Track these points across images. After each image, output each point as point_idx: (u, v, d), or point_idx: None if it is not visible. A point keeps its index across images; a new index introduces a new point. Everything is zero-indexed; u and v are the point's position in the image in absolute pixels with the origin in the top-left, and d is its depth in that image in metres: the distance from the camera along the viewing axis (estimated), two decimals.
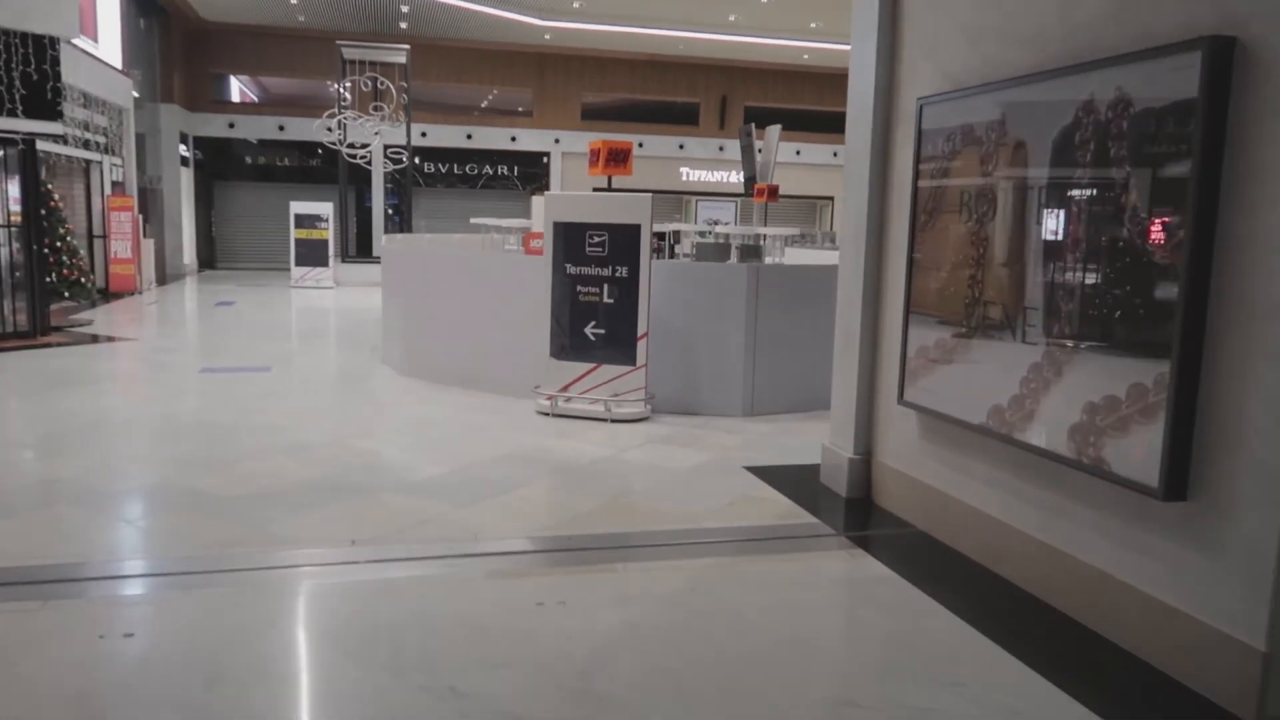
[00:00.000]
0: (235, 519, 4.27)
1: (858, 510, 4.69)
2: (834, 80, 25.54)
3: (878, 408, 4.74)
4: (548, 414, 6.67)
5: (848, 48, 4.84)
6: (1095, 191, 3.18)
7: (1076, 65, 3.26)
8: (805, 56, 23.87)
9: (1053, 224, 3.39)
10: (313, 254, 18.13)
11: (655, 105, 25.27)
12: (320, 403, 7.16)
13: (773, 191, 17.96)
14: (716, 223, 24.78)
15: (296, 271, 18.16)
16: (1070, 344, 3.28)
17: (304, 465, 5.21)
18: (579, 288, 6.68)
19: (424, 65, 22.66)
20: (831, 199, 26.82)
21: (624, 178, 8.35)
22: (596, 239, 6.60)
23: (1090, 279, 3.20)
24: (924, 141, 4.19)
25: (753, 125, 18.38)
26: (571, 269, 6.69)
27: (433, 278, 8.16)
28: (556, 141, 24.62)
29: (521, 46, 23.62)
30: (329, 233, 18.24)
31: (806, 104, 25.62)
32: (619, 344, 6.60)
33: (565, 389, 6.71)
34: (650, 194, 6.66)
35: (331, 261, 18.24)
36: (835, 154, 26.27)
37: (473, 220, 13.52)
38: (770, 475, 5.23)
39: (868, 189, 4.66)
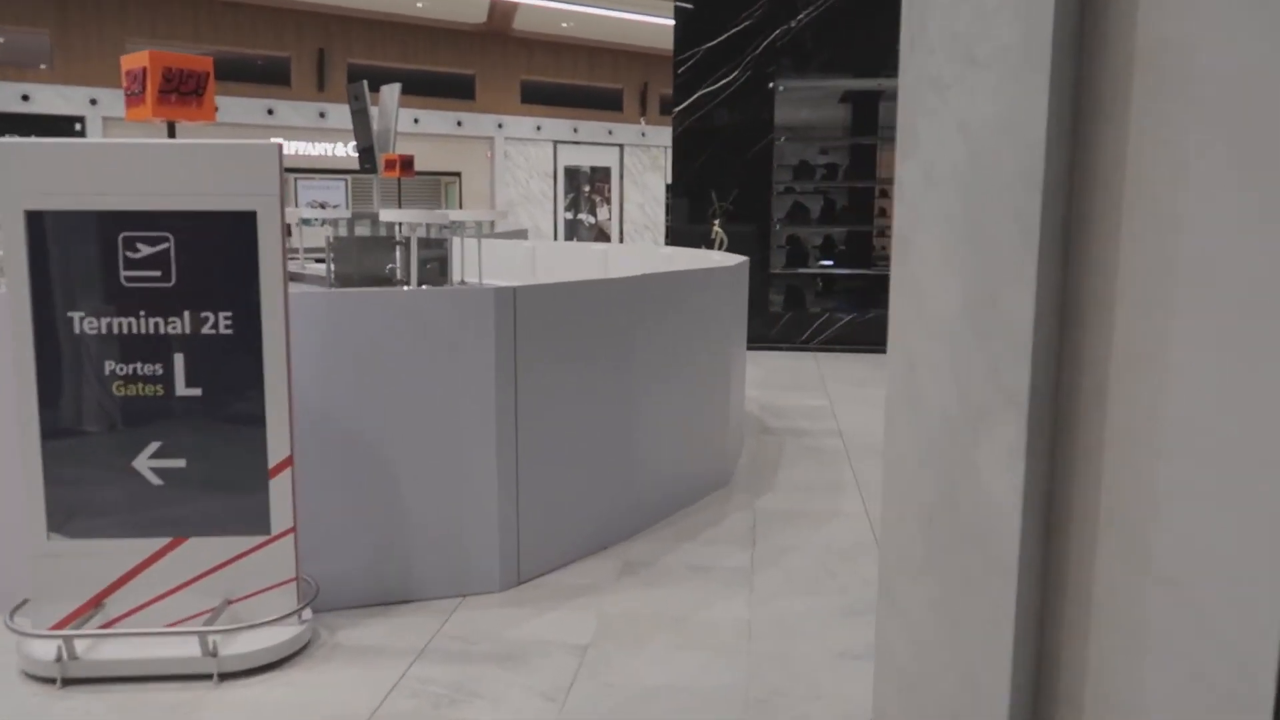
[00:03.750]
0: None
1: None
2: (453, 37, 22.04)
3: None
4: (54, 679, 2.75)
5: None
6: None
7: None
8: (420, 5, 20.10)
9: None
10: None
11: (234, 60, 19.93)
12: None
13: (406, 164, 14.21)
14: (324, 205, 20.30)
15: None
16: None
17: None
18: (112, 367, 2.82)
19: None
20: (458, 175, 23.36)
21: (198, 126, 4.58)
22: (145, 250, 2.79)
23: None
24: None
25: (365, 84, 14.48)
26: (89, 324, 2.80)
27: None
28: (94, 103, 18.46)
29: None
30: None
31: (422, 64, 21.83)
32: (226, 487, 2.88)
33: (97, 601, 2.85)
34: (278, 143, 2.94)
35: None
36: (459, 123, 22.84)
37: None
38: None
39: (1045, 111, 1.52)
